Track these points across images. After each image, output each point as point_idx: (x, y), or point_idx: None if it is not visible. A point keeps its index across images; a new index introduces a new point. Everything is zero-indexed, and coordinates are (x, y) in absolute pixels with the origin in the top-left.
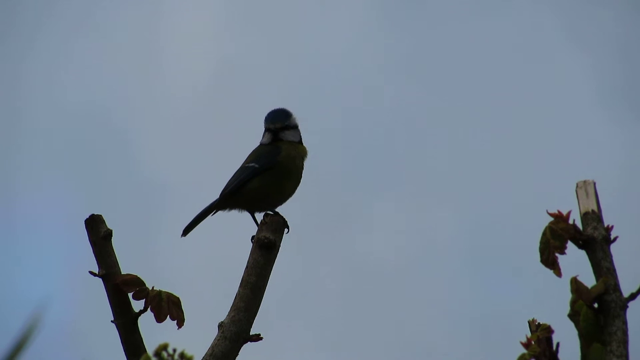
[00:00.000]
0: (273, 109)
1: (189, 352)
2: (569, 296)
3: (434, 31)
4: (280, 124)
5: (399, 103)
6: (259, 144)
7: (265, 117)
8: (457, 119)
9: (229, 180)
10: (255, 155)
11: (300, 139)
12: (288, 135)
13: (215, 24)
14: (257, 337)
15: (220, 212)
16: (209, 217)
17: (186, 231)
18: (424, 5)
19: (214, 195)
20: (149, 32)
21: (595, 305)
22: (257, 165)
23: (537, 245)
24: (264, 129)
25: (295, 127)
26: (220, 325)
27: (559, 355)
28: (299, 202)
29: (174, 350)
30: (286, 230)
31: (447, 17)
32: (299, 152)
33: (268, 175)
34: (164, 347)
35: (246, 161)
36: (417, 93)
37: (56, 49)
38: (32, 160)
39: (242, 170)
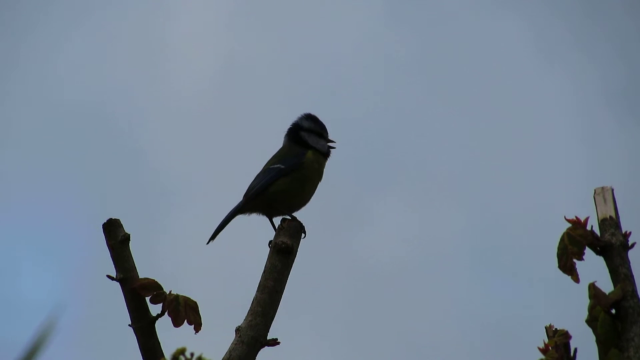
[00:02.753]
0: (312, 114)
1: (206, 357)
2: (586, 302)
3: (441, 31)
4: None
5: (405, 103)
6: (282, 144)
7: (318, 122)
8: (466, 120)
9: (253, 182)
10: (279, 157)
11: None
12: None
13: (221, 22)
14: (274, 342)
15: (239, 216)
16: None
17: (212, 238)
18: (429, 7)
19: (230, 196)
20: (155, 33)
21: (613, 311)
22: (282, 166)
23: (555, 250)
24: (304, 128)
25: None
26: (238, 330)
27: None
28: (311, 205)
29: (192, 355)
30: (303, 235)
31: (455, 18)
32: (322, 159)
33: (292, 177)
34: (182, 351)
35: (270, 163)
36: (424, 93)
37: (69, 50)
38: (48, 165)
39: (267, 172)
